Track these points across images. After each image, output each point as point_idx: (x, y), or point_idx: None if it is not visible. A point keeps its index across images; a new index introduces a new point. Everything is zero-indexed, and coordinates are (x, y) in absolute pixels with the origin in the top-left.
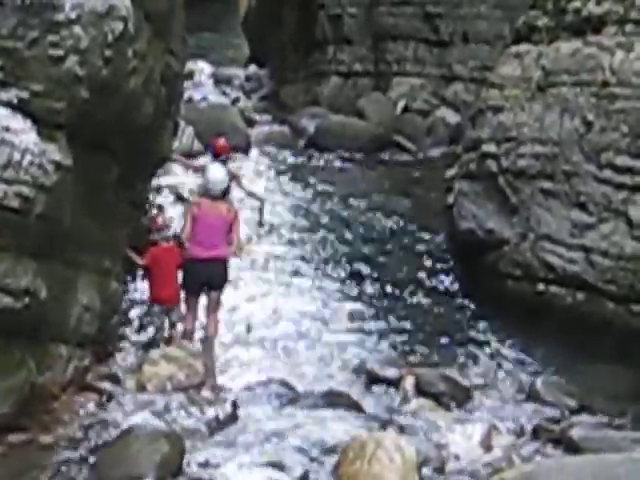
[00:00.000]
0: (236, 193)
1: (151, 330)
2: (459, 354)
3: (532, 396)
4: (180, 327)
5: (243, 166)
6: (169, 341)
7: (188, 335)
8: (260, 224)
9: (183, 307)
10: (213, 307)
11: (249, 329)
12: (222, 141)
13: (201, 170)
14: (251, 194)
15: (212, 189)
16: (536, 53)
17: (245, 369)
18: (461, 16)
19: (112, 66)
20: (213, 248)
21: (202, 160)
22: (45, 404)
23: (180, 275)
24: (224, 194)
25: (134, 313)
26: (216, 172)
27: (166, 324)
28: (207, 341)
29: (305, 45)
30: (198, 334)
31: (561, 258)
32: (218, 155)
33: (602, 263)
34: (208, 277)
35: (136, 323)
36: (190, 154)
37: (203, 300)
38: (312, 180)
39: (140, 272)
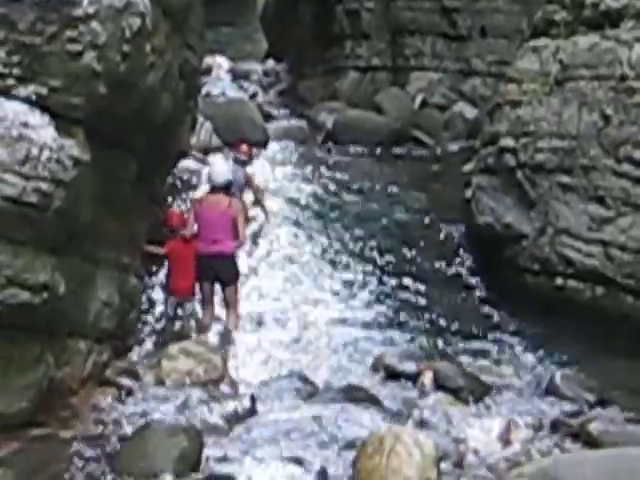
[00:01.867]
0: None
1: (169, 324)
2: (477, 348)
3: (551, 390)
4: (195, 320)
5: (261, 163)
6: (184, 334)
7: (203, 329)
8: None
9: (198, 300)
10: (229, 302)
11: (266, 323)
12: (244, 146)
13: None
14: (261, 205)
15: (214, 180)
16: (554, 47)
17: (263, 363)
18: (479, 10)
19: (130, 61)
20: (216, 243)
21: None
22: (64, 399)
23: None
24: (227, 187)
25: (152, 308)
26: (219, 164)
27: (180, 317)
28: (225, 334)
29: (323, 40)
30: (215, 328)
31: (579, 252)
32: (239, 153)
33: (621, 257)
34: (215, 272)
35: (155, 318)
36: (208, 149)
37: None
38: (330, 174)
39: (159, 266)
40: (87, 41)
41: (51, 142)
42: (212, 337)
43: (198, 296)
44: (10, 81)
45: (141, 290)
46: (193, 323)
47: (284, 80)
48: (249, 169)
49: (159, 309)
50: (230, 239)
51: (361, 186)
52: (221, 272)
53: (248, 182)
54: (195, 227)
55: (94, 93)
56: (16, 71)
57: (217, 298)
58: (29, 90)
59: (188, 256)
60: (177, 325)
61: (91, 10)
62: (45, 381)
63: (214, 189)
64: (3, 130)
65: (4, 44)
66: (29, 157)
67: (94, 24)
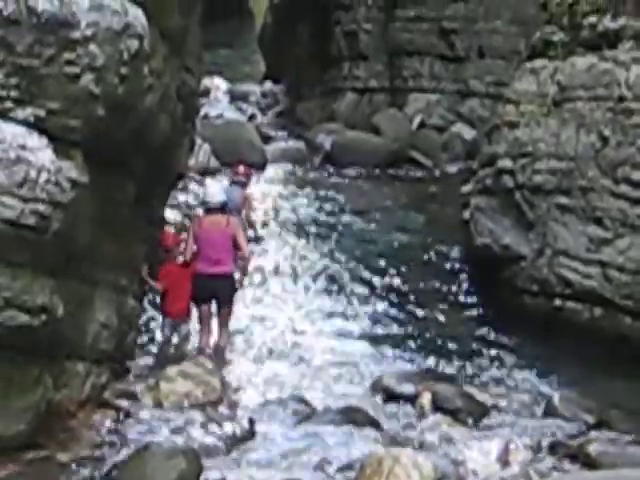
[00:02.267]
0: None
1: (167, 346)
2: (476, 369)
3: (549, 411)
4: (192, 341)
5: (258, 186)
6: (182, 355)
7: (203, 351)
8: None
9: (195, 321)
10: (223, 321)
11: (264, 345)
12: (242, 168)
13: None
14: (253, 228)
15: (210, 202)
16: (552, 68)
17: (262, 385)
18: (477, 32)
19: (128, 84)
20: (218, 264)
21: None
22: (62, 421)
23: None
24: (222, 207)
25: (150, 329)
26: (213, 186)
27: (176, 338)
28: (218, 351)
29: (321, 61)
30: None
31: (578, 273)
32: (237, 174)
33: (619, 278)
34: (214, 292)
35: (153, 339)
36: (207, 171)
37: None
38: (328, 196)
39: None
40: (85, 63)
41: (49, 164)
42: (210, 358)
43: (193, 316)
44: (8, 103)
45: (139, 312)
46: (189, 344)
47: (282, 102)
48: (247, 191)
49: (157, 331)
50: (231, 259)
51: (359, 207)
52: (221, 292)
53: (245, 203)
54: (194, 248)
55: (92, 115)
56: (14, 93)
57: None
58: (27, 112)
59: (183, 279)
60: (175, 347)
61: (89, 32)
62: (43, 403)
63: (210, 210)
64: (1, 153)
65: (2, 66)
66: (27, 179)
67: (92, 46)
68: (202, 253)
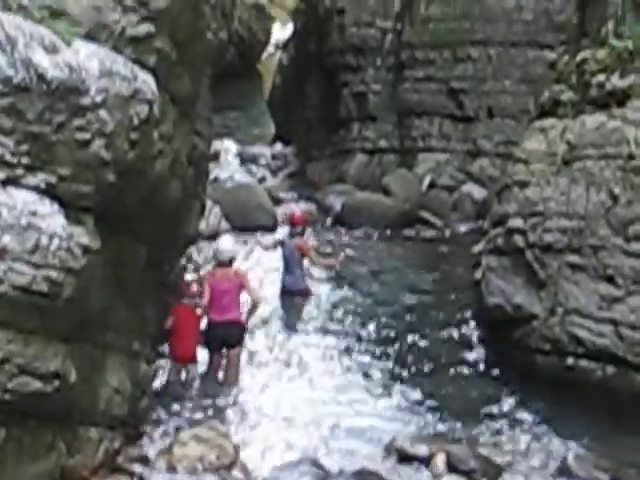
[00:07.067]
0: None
1: (178, 395)
2: (490, 430)
3: (564, 471)
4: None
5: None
6: (197, 419)
7: (214, 371)
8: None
9: (205, 364)
10: (233, 363)
11: (277, 406)
12: (298, 213)
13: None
14: (325, 266)
15: (220, 257)
16: (561, 127)
17: (276, 448)
18: (485, 91)
19: (138, 149)
20: (228, 312)
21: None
22: None
23: (201, 335)
24: (230, 261)
25: (162, 390)
26: (224, 242)
27: (186, 386)
28: (227, 382)
29: (330, 122)
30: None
31: (590, 332)
32: (294, 227)
33: (631, 336)
34: (225, 338)
35: (165, 402)
36: (217, 234)
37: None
38: (340, 257)
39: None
40: (95, 129)
41: (60, 231)
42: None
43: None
44: (19, 170)
45: (152, 376)
46: (198, 385)
47: (292, 163)
48: (300, 240)
49: (171, 393)
50: (238, 307)
51: (371, 268)
52: (233, 337)
53: (302, 252)
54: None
55: (103, 181)
56: (25, 160)
57: None
58: (38, 179)
59: (192, 323)
60: (189, 409)
61: (99, 98)
62: (57, 469)
63: (220, 264)
64: (13, 219)
65: (13, 133)
66: (39, 246)
67: (102, 112)
68: (214, 303)
